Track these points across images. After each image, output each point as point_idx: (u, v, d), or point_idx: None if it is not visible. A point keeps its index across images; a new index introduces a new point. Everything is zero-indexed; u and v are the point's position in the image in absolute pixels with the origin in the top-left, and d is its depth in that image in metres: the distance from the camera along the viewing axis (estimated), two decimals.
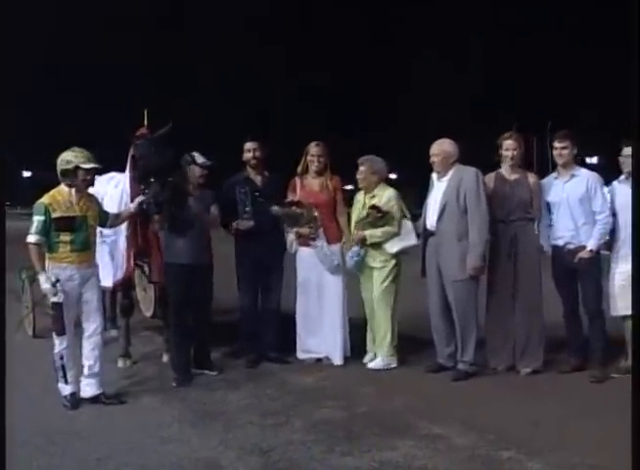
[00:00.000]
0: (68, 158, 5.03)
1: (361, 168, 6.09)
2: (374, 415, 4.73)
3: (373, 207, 5.92)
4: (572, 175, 5.74)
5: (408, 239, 5.95)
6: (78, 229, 4.99)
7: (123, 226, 5.79)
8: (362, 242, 5.95)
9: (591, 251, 5.57)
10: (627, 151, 5.51)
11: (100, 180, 6.27)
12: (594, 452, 4.05)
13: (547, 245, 5.83)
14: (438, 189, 5.79)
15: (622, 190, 5.60)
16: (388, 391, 5.31)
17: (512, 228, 5.80)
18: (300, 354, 6.21)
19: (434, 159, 5.79)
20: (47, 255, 4.99)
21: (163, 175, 5.52)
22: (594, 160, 37.66)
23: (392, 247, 5.93)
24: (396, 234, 5.95)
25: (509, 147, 5.87)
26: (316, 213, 6.03)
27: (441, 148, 5.78)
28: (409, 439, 4.29)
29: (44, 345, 5.89)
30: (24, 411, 4.68)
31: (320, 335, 6.18)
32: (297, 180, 6.26)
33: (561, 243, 5.71)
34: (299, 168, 6.26)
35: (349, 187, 7.08)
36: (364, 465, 3.93)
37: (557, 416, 4.70)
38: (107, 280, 5.81)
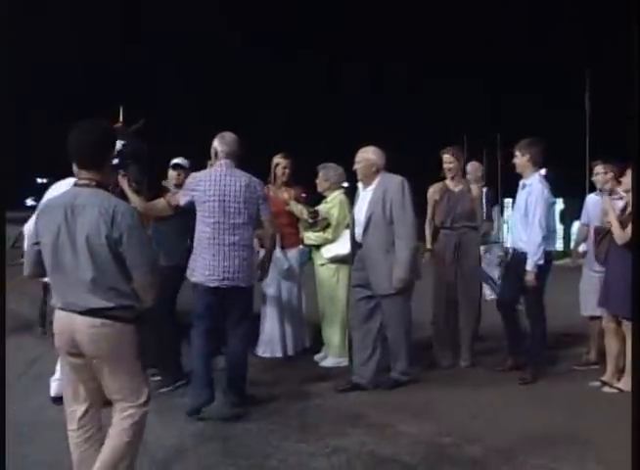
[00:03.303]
0: None
1: (319, 175, 6.49)
2: (326, 407, 5.07)
3: (311, 212, 6.28)
4: (525, 185, 5.93)
5: (343, 247, 6.12)
6: None
7: None
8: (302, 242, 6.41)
9: (533, 272, 5.64)
10: (598, 169, 6.05)
11: (60, 186, 6.46)
12: (526, 437, 4.46)
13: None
14: (364, 199, 5.59)
15: (596, 202, 6.09)
16: (339, 385, 5.60)
17: (456, 236, 6.24)
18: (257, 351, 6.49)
19: (356, 166, 5.62)
20: None
21: (140, 160, 5.71)
22: (542, 172, 38.66)
23: (327, 252, 6.26)
24: (330, 240, 6.24)
25: (446, 161, 6.32)
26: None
27: (363, 155, 5.57)
28: (359, 427, 4.65)
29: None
30: None
31: (275, 333, 6.50)
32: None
33: (511, 246, 6.07)
34: (270, 178, 6.62)
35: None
36: (318, 451, 4.24)
37: (493, 407, 5.13)
38: None
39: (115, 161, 5.77)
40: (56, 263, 3.12)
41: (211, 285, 4.89)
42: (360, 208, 5.60)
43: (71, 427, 3.31)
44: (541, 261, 5.65)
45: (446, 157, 6.32)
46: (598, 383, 5.58)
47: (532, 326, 5.90)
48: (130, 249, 3.07)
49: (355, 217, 5.67)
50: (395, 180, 5.48)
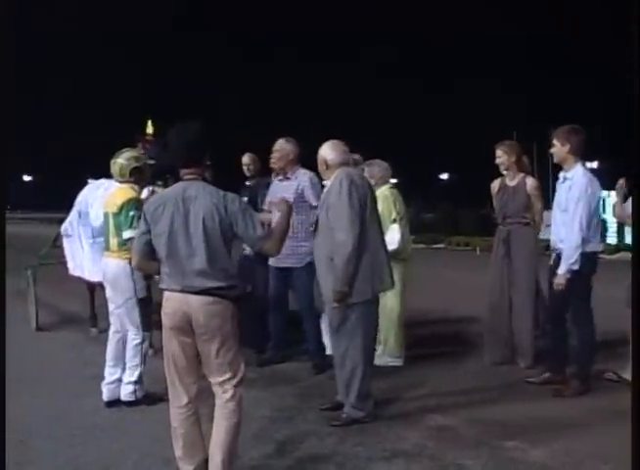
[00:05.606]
0: (136, 154, 5.19)
1: (364, 172, 6.31)
2: (382, 408, 4.89)
3: None
4: (565, 178, 5.38)
5: (391, 242, 5.71)
6: None
7: None
8: None
9: (564, 276, 5.16)
10: None
11: (89, 187, 6.72)
12: (592, 441, 4.28)
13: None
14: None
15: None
16: (395, 386, 5.47)
17: (505, 231, 6.10)
18: None
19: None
20: (124, 251, 4.91)
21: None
22: (594, 164, 37.80)
23: None
24: None
25: (496, 155, 6.21)
26: None
27: (321, 153, 4.90)
28: (417, 430, 4.50)
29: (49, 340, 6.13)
30: (45, 408, 4.92)
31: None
32: None
33: (552, 248, 5.50)
34: None
35: None
36: (376, 455, 4.11)
37: (556, 410, 4.92)
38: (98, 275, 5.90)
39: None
40: (171, 250, 3.45)
41: None
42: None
43: (179, 403, 3.57)
44: (576, 266, 5.11)
45: (497, 152, 6.23)
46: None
47: (579, 334, 5.35)
48: (246, 222, 3.45)
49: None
50: (336, 181, 4.68)
